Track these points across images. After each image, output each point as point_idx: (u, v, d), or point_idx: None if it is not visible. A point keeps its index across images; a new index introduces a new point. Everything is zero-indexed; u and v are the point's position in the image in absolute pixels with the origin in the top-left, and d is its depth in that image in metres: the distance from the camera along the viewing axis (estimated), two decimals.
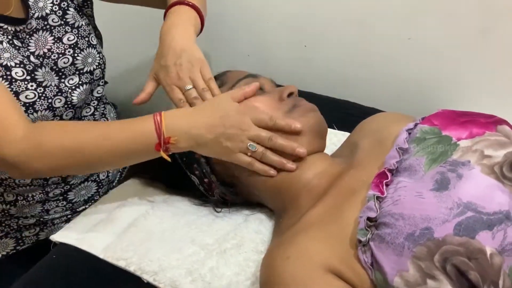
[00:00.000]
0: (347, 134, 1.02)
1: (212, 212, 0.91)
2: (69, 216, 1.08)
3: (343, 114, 1.19)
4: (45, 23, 0.94)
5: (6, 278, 1.01)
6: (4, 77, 0.84)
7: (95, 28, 1.09)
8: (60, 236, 0.85)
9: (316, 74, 1.33)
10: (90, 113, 1.04)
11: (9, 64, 0.85)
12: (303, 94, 1.28)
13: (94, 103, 1.04)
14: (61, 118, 0.94)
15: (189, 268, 0.77)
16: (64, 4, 0.96)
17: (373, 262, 0.62)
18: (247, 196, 0.89)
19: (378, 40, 1.21)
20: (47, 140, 0.77)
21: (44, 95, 0.89)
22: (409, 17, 1.15)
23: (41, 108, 0.89)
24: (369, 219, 0.65)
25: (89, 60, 0.99)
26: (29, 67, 0.88)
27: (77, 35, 0.98)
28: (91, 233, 0.85)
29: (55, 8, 0.95)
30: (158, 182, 0.98)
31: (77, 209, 1.08)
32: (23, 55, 0.89)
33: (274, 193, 0.84)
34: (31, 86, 0.87)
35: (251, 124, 0.79)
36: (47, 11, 0.94)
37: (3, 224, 1.02)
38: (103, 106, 1.10)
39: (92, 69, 1.00)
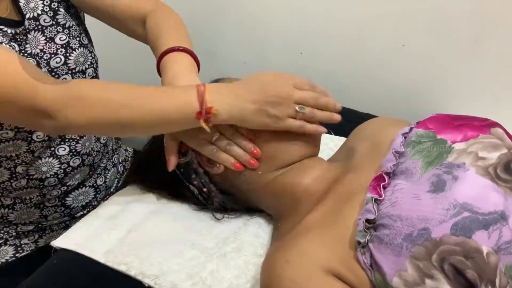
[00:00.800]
0: (343, 139, 1.03)
1: (211, 217, 0.91)
2: (67, 223, 1.08)
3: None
4: (37, 23, 0.93)
5: (6, 285, 1.01)
6: None
7: (85, 30, 1.07)
8: (61, 242, 0.86)
9: (312, 80, 1.35)
10: None
11: None
12: None
13: None
14: None
15: (190, 272, 0.78)
16: (54, 5, 0.96)
17: (372, 263, 0.63)
18: (246, 203, 0.90)
19: (372, 47, 1.23)
20: (87, 91, 0.74)
21: None
22: (403, 25, 1.17)
23: None
24: (367, 221, 0.66)
25: (81, 59, 0.99)
26: None
27: (68, 35, 0.97)
28: (92, 238, 0.85)
29: (46, 8, 0.95)
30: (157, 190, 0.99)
31: (75, 215, 1.08)
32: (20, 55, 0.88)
33: (274, 199, 0.84)
34: None
35: (294, 89, 0.79)
36: (39, 12, 0.93)
37: (2, 231, 1.02)
38: None
39: (84, 68, 0.99)
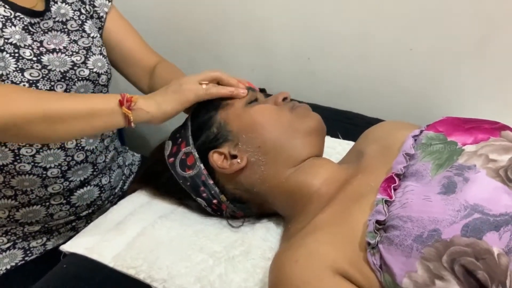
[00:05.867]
0: (351, 143, 1.03)
1: (219, 222, 0.91)
2: (73, 223, 1.10)
3: (347, 124, 1.21)
4: (64, 26, 1.03)
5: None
6: (12, 54, 0.91)
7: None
8: (70, 246, 0.86)
9: (320, 86, 1.35)
10: None
11: (18, 44, 0.92)
12: None
13: None
14: None
15: (198, 276, 0.78)
16: (83, 17, 1.07)
17: (382, 264, 0.63)
18: (259, 207, 0.90)
19: (380, 51, 1.23)
20: (15, 89, 0.83)
21: (47, 77, 0.95)
22: (410, 28, 1.17)
23: (44, 87, 0.94)
24: (378, 222, 0.65)
25: (99, 64, 1.05)
26: (36, 51, 0.95)
27: (92, 42, 1.06)
28: (101, 242, 0.86)
29: (76, 17, 1.06)
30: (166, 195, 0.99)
31: (80, 214, 1.10)
32: (32, 40, 0.96)
33: (287, 199, 0.84)
34: (37, 66, 0.94)
35: (195, 75, 0.88)
36: (68, 18, 1.04)
37: (10, 233, 1.03)
38: None
39: (100, 72, 1.05)
